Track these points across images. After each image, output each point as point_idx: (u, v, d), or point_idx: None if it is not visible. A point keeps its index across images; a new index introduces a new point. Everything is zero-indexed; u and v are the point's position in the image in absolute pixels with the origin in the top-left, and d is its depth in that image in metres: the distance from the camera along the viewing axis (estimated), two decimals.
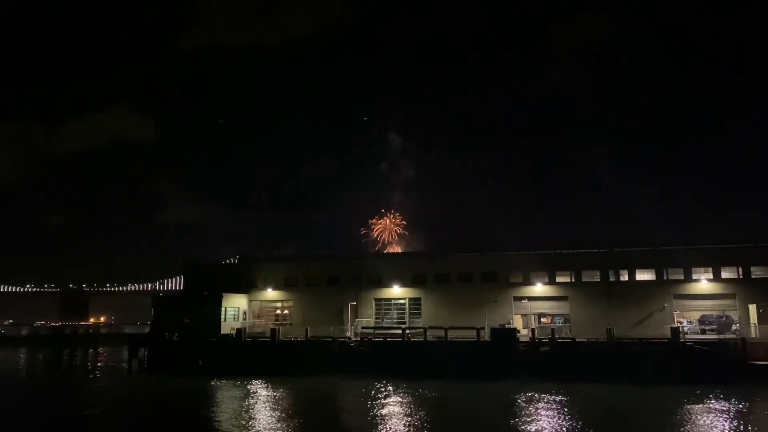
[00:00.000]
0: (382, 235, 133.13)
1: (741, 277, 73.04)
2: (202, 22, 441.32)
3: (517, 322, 76.55)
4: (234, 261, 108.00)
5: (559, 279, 78.45)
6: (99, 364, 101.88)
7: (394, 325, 79.66)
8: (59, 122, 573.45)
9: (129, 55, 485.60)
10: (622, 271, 76.75)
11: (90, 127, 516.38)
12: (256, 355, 72.60)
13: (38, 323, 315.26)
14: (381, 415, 46.73)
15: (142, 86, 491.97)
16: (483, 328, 69.40)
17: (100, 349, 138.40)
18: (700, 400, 50.33)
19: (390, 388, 58.68)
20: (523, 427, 40.87)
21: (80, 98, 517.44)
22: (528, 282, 78.98)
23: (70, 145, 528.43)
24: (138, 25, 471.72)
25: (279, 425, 43.22)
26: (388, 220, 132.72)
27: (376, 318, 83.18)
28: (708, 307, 73.10)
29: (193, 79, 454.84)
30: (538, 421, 43.48)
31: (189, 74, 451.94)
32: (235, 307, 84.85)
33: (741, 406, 48.09)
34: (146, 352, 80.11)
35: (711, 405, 48.57)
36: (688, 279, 74.35)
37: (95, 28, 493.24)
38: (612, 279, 76.63)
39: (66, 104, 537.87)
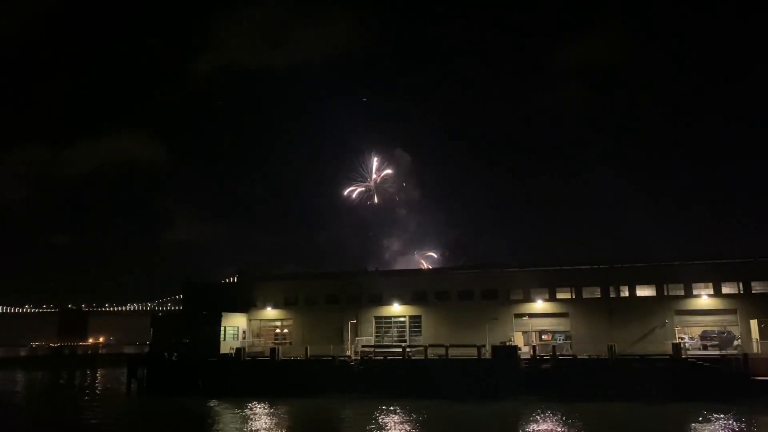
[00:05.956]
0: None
1: (742, 292, 72.84)
2: (213, 46, 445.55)
3: (518, 340, 76.22)
4: (233, 280, 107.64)
5: (559, 295, 78.20)
6: (98, 385, 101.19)
7: (395, 344, 79.14)
8: (68, 144, 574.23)
9: (139, 77, 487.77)
10: (622, 287, 76.54)
11: (99, 148, 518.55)
12: (255, 375, 72.08)
13: (34, 344, 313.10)
14: None
15: (152, 109, 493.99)
16: (484, 345, 69.09)
17: (99, 370, 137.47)
18: (702, 416, 50.00)
19: (391, 407, 58.23)
20: None
21: (89, 121, 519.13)
22: (528, 299, 78.71)
23: (79, 167, 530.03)
24: (149, 49, 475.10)
25: None
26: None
27: (377, 336, 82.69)
28: (709, 323, 72.79)
29: (203, 100, 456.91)
30: None
31: (199, 96, 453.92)
32: (234, 326, 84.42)
33: (744, 422, 47.74)
34: (145, 373, 79.56)
35: (714, 421, 48.25)
36: (689, 294, 74.14)
37: (106, 52, 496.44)
38: (612, 295, 76.39)
39: (75, 126, 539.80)
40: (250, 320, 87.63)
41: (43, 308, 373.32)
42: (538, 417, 51.82)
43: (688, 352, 66.03)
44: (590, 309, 76.21)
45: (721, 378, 59.21)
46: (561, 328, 77.24)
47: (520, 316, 78.70)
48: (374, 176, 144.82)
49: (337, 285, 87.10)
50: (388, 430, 48.39)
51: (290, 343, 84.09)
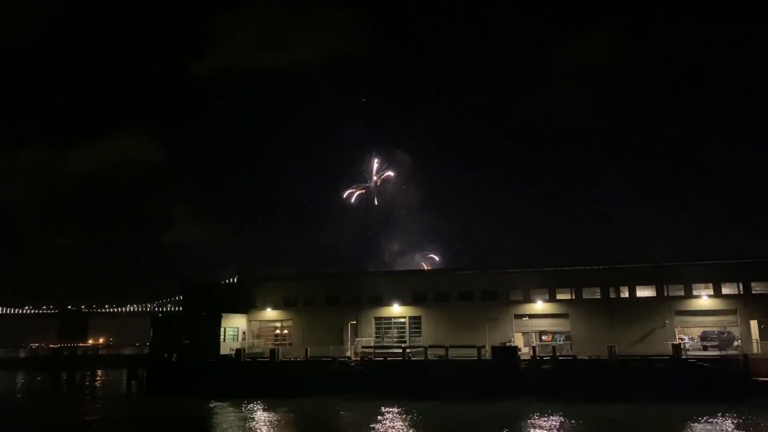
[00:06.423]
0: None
1: (742, 292, 72.89)
2: (213, 47, 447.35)
3: (518, 340, 76.21)
4: (233, 280, 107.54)
5: (559, 296, 78.16)
6: (98, 386, 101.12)
7: (395, 344, 79.13)
8: (69, 145, 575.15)
9: (140, 78, 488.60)
10: (622, 288, 76.53)
11: (99, 149, 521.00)
12: (255, 376, 71.97)
13: (34, 345, 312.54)
14: None
15: (153, 110, 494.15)
16: (484, 346, 69.06)
17: (98, 371, 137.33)
18: (703, 417, 49.93)
19: (391, 408, 58.19)
20: None
21: (91, 122, 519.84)
22: (528, 299, 78.67)
23: (79, 168, 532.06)
24: (150, 50, 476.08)
25: None
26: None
27: (377, 337, 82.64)
28: (709, 323, 72.77)
29: (203, 102, 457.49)
30: None
31: (199, 98, 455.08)
32: (234, 327, 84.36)
33: (744, 422, 47.71)
34: (145, 374, 79.52)
35: (714, 422, 48.21)
36: (689, 295, 74.16)
37: (107, 53, 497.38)
38: (612, 296, 76.38)
39: (76, 127, 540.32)
40: (249, 321, 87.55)
41: (43, 309, 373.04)
42: (537, 418, 51.78)
43: (688, 353, 65.99)
44: (590, 310, 76.18)
45: (721, 378, 59.16)
46: (561, 329, 77.20)
47: (520, 316, 78.66)
48: (375, 177, 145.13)
49: (337, 286, 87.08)
50: (388, 431, 48.35)
51: (290, 344, 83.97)
